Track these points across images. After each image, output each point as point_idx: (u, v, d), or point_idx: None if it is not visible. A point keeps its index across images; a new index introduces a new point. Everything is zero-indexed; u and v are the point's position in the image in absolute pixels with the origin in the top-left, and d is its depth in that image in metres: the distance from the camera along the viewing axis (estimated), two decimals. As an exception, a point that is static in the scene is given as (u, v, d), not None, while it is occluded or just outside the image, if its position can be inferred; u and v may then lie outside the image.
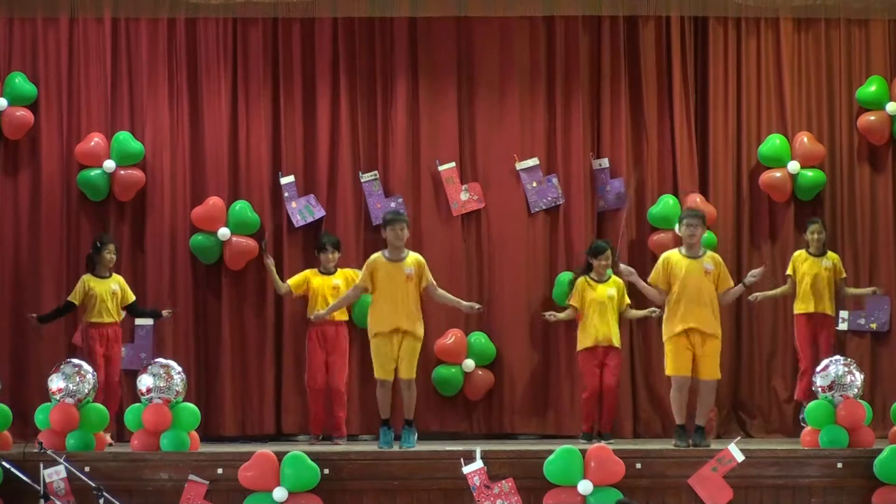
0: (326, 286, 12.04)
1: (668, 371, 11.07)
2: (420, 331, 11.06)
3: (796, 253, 12.12)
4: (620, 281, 11.97)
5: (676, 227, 11.70)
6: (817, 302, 11.91)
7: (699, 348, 10.96)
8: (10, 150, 12.66)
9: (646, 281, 11.23)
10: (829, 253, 12.10)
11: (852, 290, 12.28)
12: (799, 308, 11.98)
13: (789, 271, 12.08)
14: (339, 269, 12.14)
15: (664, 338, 11.07)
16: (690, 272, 10.98)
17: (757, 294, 12.01)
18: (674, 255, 11.13)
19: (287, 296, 12.24)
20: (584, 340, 11.90)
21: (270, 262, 12.22)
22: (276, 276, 12.21)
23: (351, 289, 11.51)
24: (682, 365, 10.96)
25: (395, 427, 11.24)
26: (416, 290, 11.06)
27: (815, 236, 12.04)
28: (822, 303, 11.94)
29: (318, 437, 12.05)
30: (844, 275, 12.12)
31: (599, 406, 11.88)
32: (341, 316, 12.00)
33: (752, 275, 11.25)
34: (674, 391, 11.04)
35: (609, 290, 11.88)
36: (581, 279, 11.99)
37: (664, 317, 11.14)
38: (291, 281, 12.16)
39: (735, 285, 11.23)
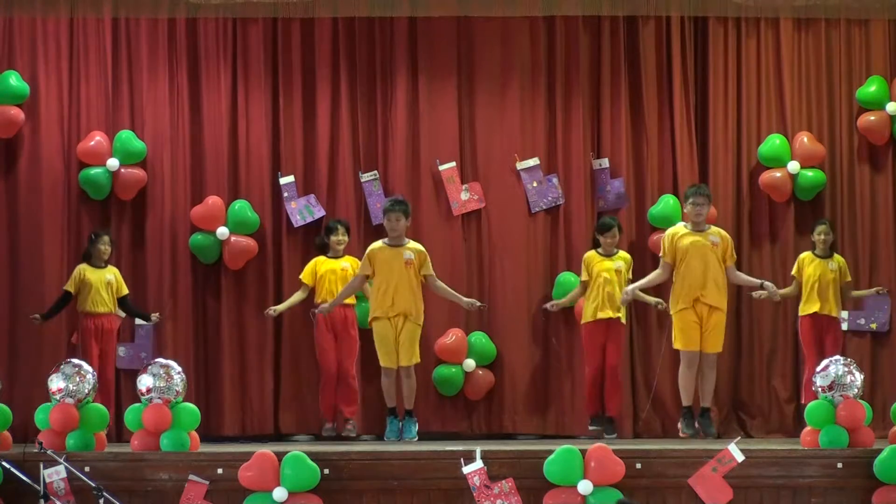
0: (336, 268, 12.07)
1: (676, 345, 11.12)
2: (419, 316, 11.19)
3: (802, 254, 12.09)
4: (628, 256, 12.06)
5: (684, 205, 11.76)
6: (823, 303, 11.89)
7: (705, 321, 10.97)
8: (9, 149, 12.65)
9: (645, 280, 11.28)
10: (836, 255, 12.09)
11: (856, 293, 12.28)
12: (804, 309, 11.96)
13: (794, 272, 12.05)
14: (346, 255, 12.20)
15: (672, 311, 11.12)
16: (696, 245, 11.04)
17: (761, 292, 12.04)
18: (679, 229, 11.21)
19: (307, 292, 12.16)
20: (588, 314, 11.91)
21: (276, 309, 12.22)
22: (287, 302, 12.20)
23: (354, 278, 11.62)
24: (691, 339, 10.98)
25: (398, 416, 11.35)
26: (416, 276, 11.18)
27: (822, 237, 12.01)
28: (828, 304, 11.91)
29: (332, 425, 12.07)
30: (849, 278, 12.10)
31: (602, 390, 11.93)
32: (349, 300, 12.03)
33: (772, 291, 11.28)
34: (682, 367, 11.07)
35: (616, 263, 11.92)
36: (588, 253, 12.08)
37: (672, 289, 11.17)
38: (302, 276, 12.17)
39: (752, 276, 11.29)
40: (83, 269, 11.90)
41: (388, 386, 11.37)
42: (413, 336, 11.26)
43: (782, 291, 12.08)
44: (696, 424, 11.02)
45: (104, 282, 11.89)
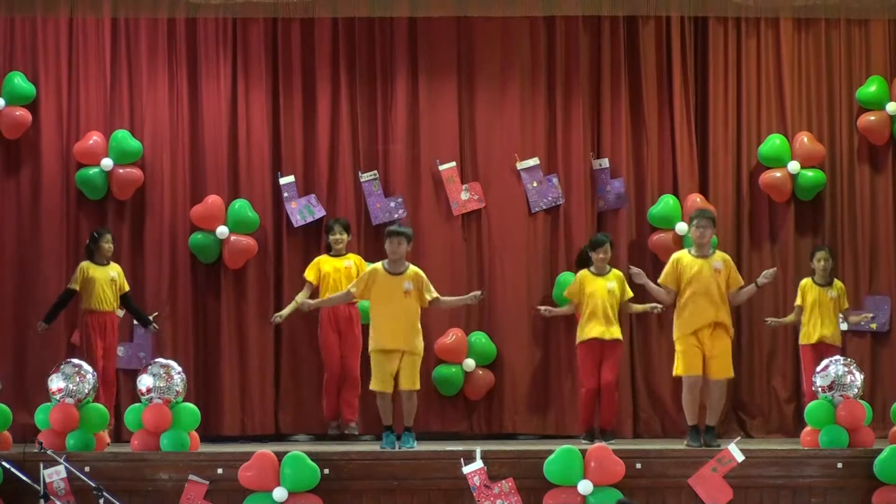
0: (340, 266, 12.05)
1: (678, 371, 11.04)
2: (419, 347, 10.98)
3: (803, 282, 11.97)
4: (620, 274, 11.97)
5: (687, 227, 11.73)
6: (824, 332, 11.81)
7: (709, 348, 10.96)
8: (10, 150, 12.66)
9: (655, 283, 11.24)
10: (836, 282, 12.01)
11: (852, 319, 12.24)
12: (805, 338, 11.86)
13: (798, 301, 11.96)
14: (349, 253, 12.16)
15: (675, 337, 11.08)
16: (700, 271, 11.00)
17: (771, 320, 12.01)
18: (684, 255, 11.17)
19: (312, 290, 12.10)
20: (582, 334, 11.86)
21: (282, 315, 12.15)
22: (292, 305, 12.07)
23: (344, 291, 11.41)
24: (693, 365, 10.95)
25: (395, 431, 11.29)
26: (416, 304, 10.98)
27: (822, 264, 11.89)
28: (829, 333, 11.80)
29: (334, 423, 12.04)
30: (847, 306, 12.03)
31: (598, 405, 11.87)
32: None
33: (765, 276, 11.26)
34: (685, 392, 11.02)
35: (609, 283, 11.83)
36: (581, 272, 11.94)
37: (675, 316, 11.13)
38: (307, 273, 12.12)
39: (746, 285, 11.25)
40: (87, 267, 11.84)
41: (384, 406, 10.99)
42: (414, 366, 10.96)
43: (787, 319, 12.03)
44: (702, 440, 10.99)
45: (108, 279, 11.86)
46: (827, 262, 11.91)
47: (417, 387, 11.05)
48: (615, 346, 11.81)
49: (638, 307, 11.97)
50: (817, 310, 11.83)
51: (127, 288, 12.02)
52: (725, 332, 11.05)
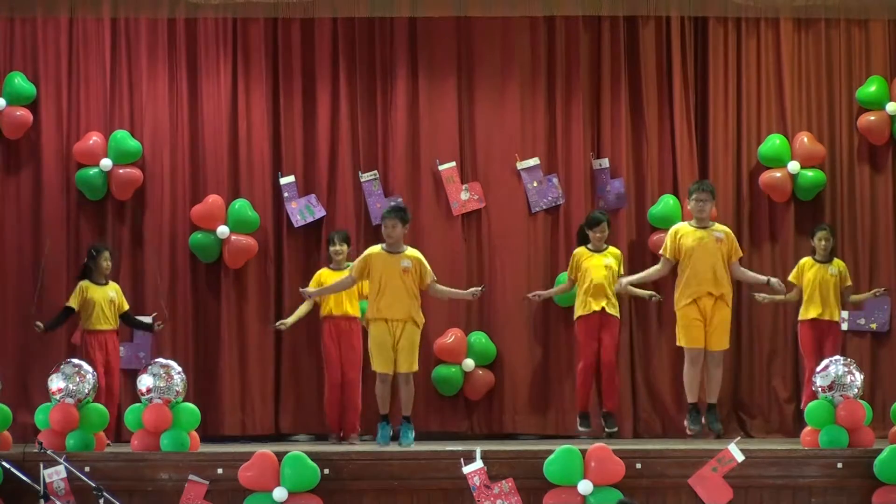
0: (340, 278, 12.04)
1: (680, 342, 11.16)
2: (419, 318, 11.10)
3: (802, 260, 12.08)
4: (618, 251, 12.08)
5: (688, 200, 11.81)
6: (823, 308, 11.88)
7: (709, 318, 11.01)
8: (10, 150, 12.66)
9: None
10: (836, 260, 12.09)
11: (856, 298, 12.29)
12: (804, 314, 11.94)
13: (792, 278, 12.02)
14: (350, 266, 12.16)
15: (676, 308, 11.15)
16: (700, 241, 11.10)
17: (763, 296, 12.02)
18: (683, 227, 11.26)
19: (312, 304, 12.08)
20: (580, 308, 11.95)
21: (286, 323, 12.14)
22: (298, 313, 12.10)
23: (345, 277, 11.52)
24: (694, 336, 11.02)
25: (393, 423, 11.29)
26: (414, 284, 11.09)
27: (823, 243, 11.99)
28: (828, 309, 11.89)
29: (337, 435, 12.02)
30: (849, 283, 12.09)
31: (596, 382, 11.94)
32: (354, 311, 11.94)
33: (778, 288, 11.31)
34: (687, 365, 11.11)
35: (606, 259, 11.95)
36: (578, 249, 12.12)
37: (675, 286, 11.19)
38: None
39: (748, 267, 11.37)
40: (86, 287, 11.79)
41: (383, 391, 11.11)
42: (413, 340, 11.08)
43: (783, 297, 12.08)
44: (703, 420, 11.03)
45: (107, 299, 11.82)
46: (828, 242, 12.01)
47: (415, 368, 11.14)
48: (613, 322, 11.92)
49: (636, 291, 12.01)
50: (817, 287, 11.90)
51: (126, 307, 12.00)
52: (725, 302, 11.10)
